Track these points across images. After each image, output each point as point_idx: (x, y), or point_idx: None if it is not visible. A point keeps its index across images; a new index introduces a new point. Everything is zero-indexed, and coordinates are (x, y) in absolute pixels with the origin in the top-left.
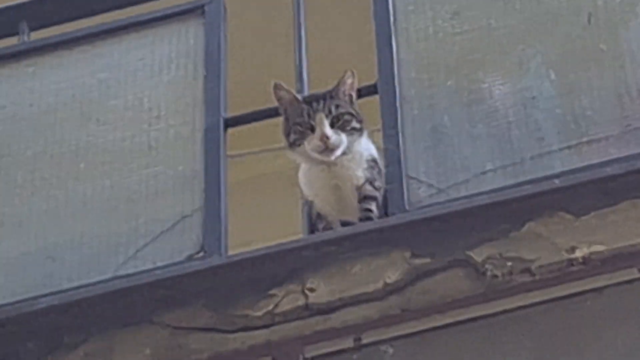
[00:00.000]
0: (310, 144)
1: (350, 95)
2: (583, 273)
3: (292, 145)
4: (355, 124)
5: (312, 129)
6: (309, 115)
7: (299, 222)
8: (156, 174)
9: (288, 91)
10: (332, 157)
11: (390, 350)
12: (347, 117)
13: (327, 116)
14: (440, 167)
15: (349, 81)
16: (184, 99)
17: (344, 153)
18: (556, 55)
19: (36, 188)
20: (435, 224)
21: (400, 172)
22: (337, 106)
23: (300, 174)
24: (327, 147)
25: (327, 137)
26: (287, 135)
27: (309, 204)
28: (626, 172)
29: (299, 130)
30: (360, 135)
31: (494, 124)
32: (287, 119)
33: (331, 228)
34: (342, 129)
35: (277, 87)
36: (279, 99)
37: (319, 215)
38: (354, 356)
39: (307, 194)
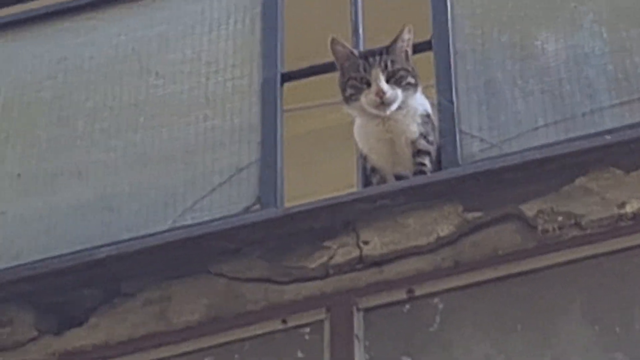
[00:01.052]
0: (367, 98)
1: (406, 51)
2: (632, 228)
3: (348, 99)
4: (410, 80)
5: (368, 84)
6: (365, 69)
7: (353, 175)
8: (213, 127)
9: (344, 46)
10: (387, 112)
11: (441, 306)
12: (402, 72)
13: (383, 71)
14: (492, 122)
15: (406, 37)
16: (241, 53)
17: (398, 108)
18: (608, 13)
19: (95, 139)
20: (487, 178)
21: (453, 126)
22: (392, 62)
23: (355, 128)
24: (383, 102)
25: (383, 92)
26: (343, 89)
27: (363, 158)
28: None
29: (355, 84)
30: (415, 90)
31: (546, 80)
32: (343, 74)
33: (385, 182)
34: (398, 84)
35: (334, 41)
36: (335, 54)
37: (373, 169)
38: (406, 308)
39: (362, 147)
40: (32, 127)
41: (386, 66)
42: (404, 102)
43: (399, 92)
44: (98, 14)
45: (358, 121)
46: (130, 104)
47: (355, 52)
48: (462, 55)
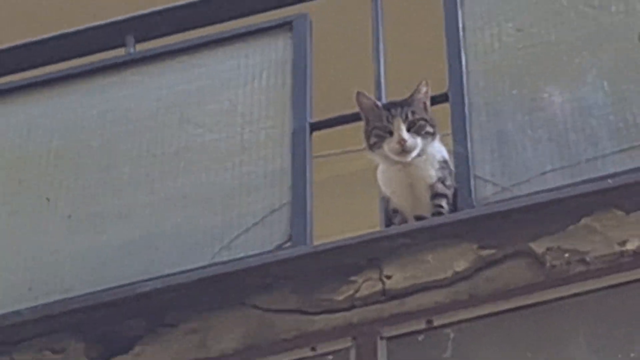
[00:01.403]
0: (389, 146)
1: (425, 103)
2: (633, 264)
3: (372, 147)
4: (428, 129)
5: (391, 133)
6: (387, 120)
7: (376, 216)
8: (248, 172)
9: (368, 98)
10: (408, 159)
11: (455, 335)
12: (421, 122)
13: (404, 121)
14: (504, 167)
15: (424, 90)
16: (273, 105)
17: (418, 155)
18: (609, 68)
19: (140, 183)
20: (499, 218)
21: (468, 172)
22: (412, 112)
23: (379, 173)
24: (404, 150)
25: (404, 140)
26: (368, 138)
27: (386, 200)
28: None
29: (378, 133)
30: (433, 138)
31: (553, 130)
32: (367, 123)
33: (406, 222)
34: (417, 133)
35: (359, 94)
36: (360, 105)
37: (394, 210)
38: (425, 337)
39: (384, 190)
40: (81, 173)
41: (407, 116)
42: (423, 149)
43: (418, 140)
44: (141, 70)
45: (381, 167)
46: (171, 151)
47: (379, 103)
48: (476, 107)
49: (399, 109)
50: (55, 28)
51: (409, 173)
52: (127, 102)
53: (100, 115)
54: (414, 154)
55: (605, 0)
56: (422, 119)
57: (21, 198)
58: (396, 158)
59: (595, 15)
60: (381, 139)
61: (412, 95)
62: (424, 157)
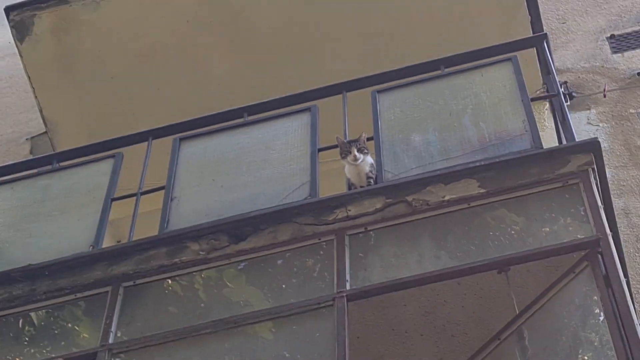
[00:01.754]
0: (349, 157)
1: (364, 140)
2: (447, 205)
3: (343, 157)
4: (366, 151)
5: (350, 152)
6: (349, 146)
7: (344, 186)
8: (292, 169)
9: (342, 139)
10: (358, 163)
11: (379, 236)
12: (363, 147)
13: (356, 148)
14: (395, 167)
15: (364, 135)
16: (302, 141)
17: (361, 161)
18: (438, 127)
19: (250, 173)
20: (394, 187)
21: (381, 168)
22: (358, 143)
23: (345, 168)
24: (355, 159)
25: (355, 156)
26: (340, 154)
27: (347, 179)
28: (463, 169)
29: (345, 151)
30: (367, 154)
31: (416, 152)
32: (340, 147)
33: (356, 188)
34: (361, 152)
35: (337, 137)
36: (338, 141)
37: (351, 184)
38: (365, 235)
39: (347, 174)
40: (226, 170)
41: (357, 145)
42: (363, 159)
43: (361, 155)
44: (250, 127)
45: (346, 166)
46: (262, 160)
47: (345, 140)
48: (384, 142)
49: (353, 142)
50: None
51: (358, 168)
52: (244, 141)
53: (233, 145)
54: (359, 161)
55: (435, 100)
56: (363, 146)
57: (203, 180)
58: (353, 163)
59: (432, 105)
60: (346, 154)
61: (358, 137)
62: (364, 162)
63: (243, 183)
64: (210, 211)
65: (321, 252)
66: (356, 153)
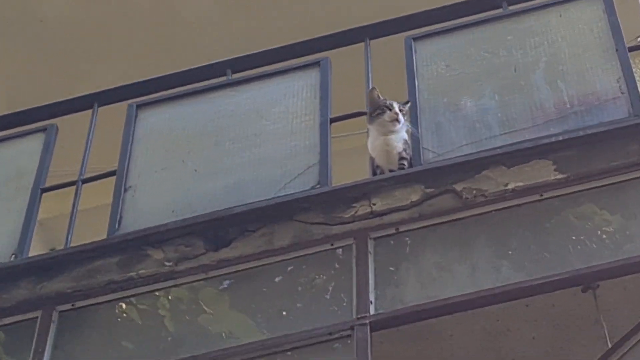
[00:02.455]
0: (388, 115)
1: (405, 111)
2: (513, 196)
3: (375, 117)
4: (406, 119)
5: (389, 109)
6: (390, 104)
7: (367, 171)
8: (296, 146)
9: (378, 93)
10: (397, 127)
11: (409, 238)
12: (404, 112)
13: (398, 107)
14: (439, 142)
15: (408, 105)
16: (310, 107)
17: (393, 133)
18: (498, 87)
19: (236, 152)
20: (436, 171)
21: (419, 145)
22: (401, 107)
23: (369, 143)
24: (397, 119)
25: (397, 114)
26: (373, 112)
27: (371, 159)
28: (534, 146)
29: (383, 109)
30: (404, 128)
31: (467, 121)
32: (373, 105)
33: (383, 173)
34: (402, 116)
35: (373, 89)
36: (372, 95)
37: (377, 166)
38: (394, 238)
39: (371, 152)
40: (203, 147)
41: (399, 106)
42: (398, 131)
43: (402, 119)
44: (236, 89)
45: (371, 138)
46: (253, 134)
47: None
48: (422, 110)
49: (395, 102)
50: (189, 64)
51: (387, 143)
52: (227, 107)
53: (213, 114)
54: (399, 126)
55: (495, 49)
56: (405, 112)
57: (169, 162)
58: (389, 125)
59: (490, 57)
60: (383, 110)
61: (402, 104)
62: (396, 135)
63: (225, 166)
64: (179, 206)
65: (335, 263)
66: (398, 111)
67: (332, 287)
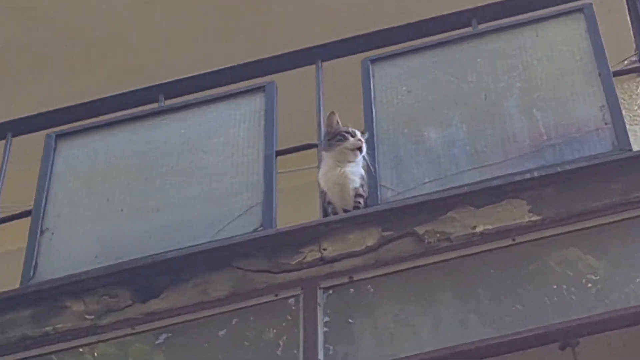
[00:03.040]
0: (352, 141)
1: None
2: (481, 240)
3: (334, 144)
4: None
5: (352, 136)
6: (352, 131)
7: (316, 211)
8: (236, 183)
9: (337, 119)
10: (358, 157)
11: (369, 286)
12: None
13: (360, 135)
14: (399, 179)
15: (365, 135)
16: (253, 139)
17: (349, 167)
18: (467, 116)
19: (168, 189)
20: (395, 212)
21: (376, 182)
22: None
23: (320, 174)
24: (360, 148)
25: (362, 142)
26: (331, 138)
27: (323, 194)
28: (505, 183)
29: (344, 135)
30: (361, 162)
31: (430, 155)
32: (331, 131)
33: (336, 212)
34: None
35: (333, 113)
36: (330, 120)
37: (328, 202)
38: (348, 287)
39: (323, 186)
40: (130, 183)
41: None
42: (357, 163)
43: (365, 147)
44: (169, 117)
45: (323, 169)
46: (187, 168)
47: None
48: (381, 141)
49: (357, 130)
50: (113, 89)
51: (344, 175)
52: (159, 137)
53: (142, 146)
54: (360, 157)
55: (463, 73)
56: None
57: (92, 200)
58: (349, 153)
59: (457, 82)
60: (345, 138)
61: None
62: (353, 170)
63: (156, 206)
64: (102, 251)
65: (287, 315)
66: (362, 139)
67: (283, 341)
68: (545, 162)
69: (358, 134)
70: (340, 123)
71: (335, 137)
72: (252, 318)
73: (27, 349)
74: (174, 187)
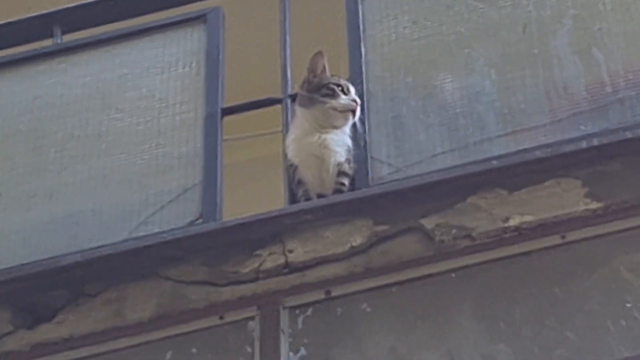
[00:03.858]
0: (343, 101)
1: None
2: (515, 239)
3: (315, 101)
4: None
5: (344, 93)
6: (346, 86)
7: (281, 197)
8: (164, 154)
9: (325, 64)
10: (345, 123)
11: (353, 305)
12: None
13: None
14: (398, 150)
15: (343, 81)
16: (188, 92)
17: (334, 133)
18: (496, 57)
19: (64, 164)
20: (393, 197)
21: (366, 154)
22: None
23: (289, 140)
24: (353, 110)
25: (356, 102)
26: (315, 89)
27: (292, 171)
28: (552, 156)
29: (332, 88)
30: (347, 127)
31: (444, 115)
32: (316, 80)
33: (309, 195)
34: None
35: (321, 53)
36: (317, 63)
37: (299, 182)
38: (324, 306)
39: (293, 159)
40: (11, 154)
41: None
42: (342, 130)
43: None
44: (68, 59)
45: (294, 135)
46: (94, 134)
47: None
48: (373, 94)
49: (350, 85)
50: None
51: (323, 144)
52: (53, 89)
53: (28, 101)
54: (355, 118)
55: None
56: None
57: None
58: (338, 116)
59: (484, 8)
60: (333, 93)
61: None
62: (337, 138)
63: (49, 188)
64: None
65: (230, 348)
66: (357, 99)
67: None
68: (609, 125)
69: (352, 90)
70: (328, 70)
71: (319, 90)
72: (186, 350)
73: None
74: (75, 161)
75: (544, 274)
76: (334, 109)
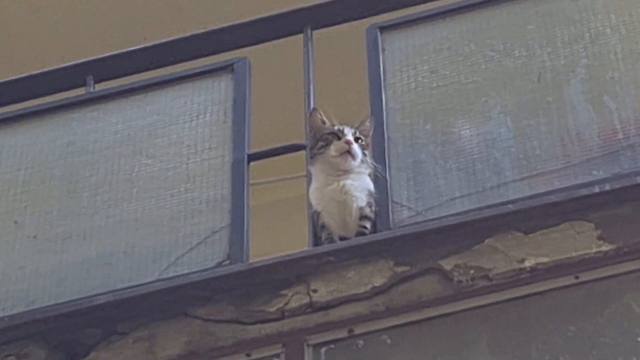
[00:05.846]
0: (336, 146)
1: (366, 137)
2: (530, 279)
3: (317, 154)
4: (367, 154)
5: (338, 137)
6: (338, 130)
7: (305, 238)
8: (193, 198)
9: (322, 116)
10: (350, 165)
11: (375, 343)
12: (364, 144)
13: (352, 133)
14: (418, 194)
15: (368, 125)
16: (216, 138)
17: (352, 179)
18: (512, 105)
19: (97, 208)
20: (413, 239)
21: (387, 198)
22: (358, 132)
23: (312, 188)
24: (349, 151)
25: (351, 142)
26: (314, 145)
27: (315, 215)
28: (566, 200)
29: (327, 138)
30: (367, 170)
31: (461, 160)
32: (315, 136)
33: (332, 238)
34: (361, 148)
35: (315, 110)
36: (314, 120)
37: (322, 226)
38: (347, 344)
39: (316, 206)
40: (46, 198)
41: (354, 131)
42: (360, 167)
43: (360, 153)
44: (100, 107)
45: (314, 184)
46: (125, 179)
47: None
48: (394, 140)
49: (348, 127)
50: (23, 70)
51: (345, 190)
52: (87, 135)
53: (63, 147)
54: (356, 162)
55: (508, 46)
56: (365, 143)
57: None
58: (338, 161)
59: (500, 58)
60: (329, 142)
61: (360, 124)
62: (358, 183)
63: (82, 230)
64: (8, 294)
65: None
66: (351, 138)
67: None
68: (621, 170)
69: (347, 131)
70: (326, 121)
71: (318, 144)
72: None
73: None
74: (107, 205)
75: (558, 313)
76: (332, 157)
